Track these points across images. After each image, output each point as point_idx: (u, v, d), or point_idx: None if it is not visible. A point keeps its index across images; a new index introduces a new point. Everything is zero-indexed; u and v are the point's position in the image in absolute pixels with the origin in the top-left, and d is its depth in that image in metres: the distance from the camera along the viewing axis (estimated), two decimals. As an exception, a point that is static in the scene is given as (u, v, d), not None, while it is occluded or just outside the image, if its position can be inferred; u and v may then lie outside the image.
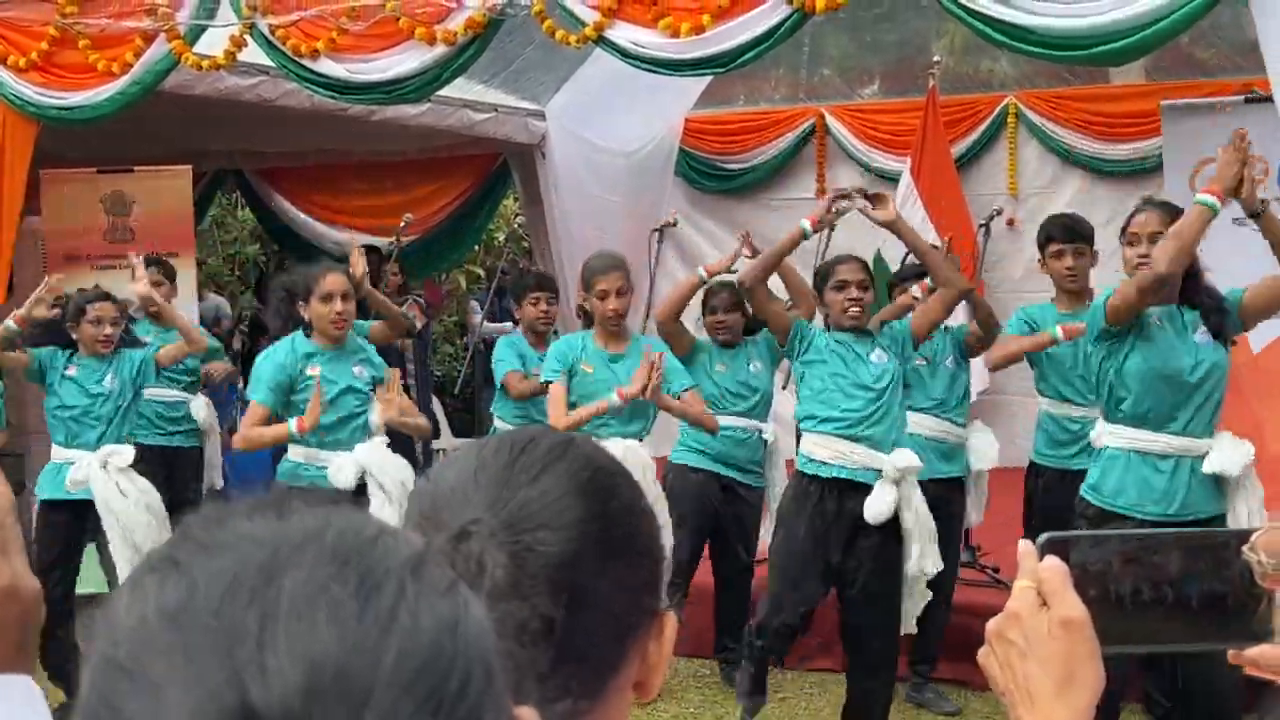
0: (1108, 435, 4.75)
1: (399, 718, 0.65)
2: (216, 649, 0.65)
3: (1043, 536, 1.20)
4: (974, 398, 7.67)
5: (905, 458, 5.20)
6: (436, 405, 10.32)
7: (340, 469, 5.43)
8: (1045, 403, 5.87)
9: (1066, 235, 5.83)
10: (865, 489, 5.20)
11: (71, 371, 6.19)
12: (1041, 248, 5.90)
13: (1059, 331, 5.68)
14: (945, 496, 5.88)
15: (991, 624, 1.19)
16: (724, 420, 6.17)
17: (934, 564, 5.31)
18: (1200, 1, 5.04)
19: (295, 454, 5.60)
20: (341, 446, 5.50)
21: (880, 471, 5.19)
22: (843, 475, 5.24)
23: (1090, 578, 1.18)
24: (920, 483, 5.36)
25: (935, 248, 6.06)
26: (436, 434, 8.97)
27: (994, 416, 7.76)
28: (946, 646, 6.06)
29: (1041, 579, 1.16)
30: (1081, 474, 4.98)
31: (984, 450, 6.29)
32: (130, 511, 5.90)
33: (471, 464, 1.15)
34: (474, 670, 0.69)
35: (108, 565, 6.01)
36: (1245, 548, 1.18)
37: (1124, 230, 4.96)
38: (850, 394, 5.26)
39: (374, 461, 5.42)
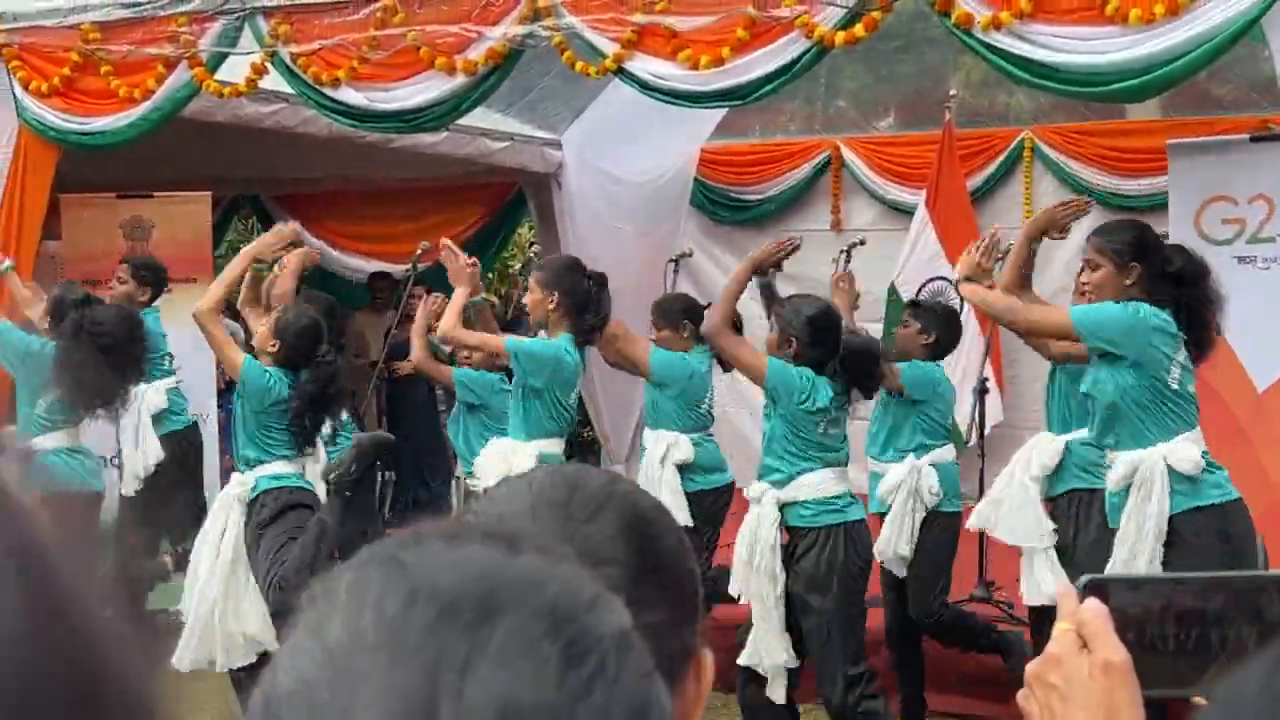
0: None
1: None
2: (422, 664, 0.67)
3: (1083, 578, 1.20)
4: (988, 430, 7.67)
5: None
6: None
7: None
8: None
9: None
10: None
11: None
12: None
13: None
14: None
15: (1031, 666, 1.20)
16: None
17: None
18: (1220, 40, 5.06)
19: None
20: None
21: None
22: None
23: (1130, 620, 1.18)
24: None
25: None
26: (451, 462, 8.96)
27: (1005, 450, 7.74)
28: (969, 679, 6.06)
29: (1082, 621, 1.17)
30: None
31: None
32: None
33: (525, 498, 1.15)
34: None
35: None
36: None
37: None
38: None
39: None
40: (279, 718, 0.69)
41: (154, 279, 7.50)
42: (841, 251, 7.51)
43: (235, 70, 6.91)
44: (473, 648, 0.67)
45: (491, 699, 0.66)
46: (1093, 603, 1.17)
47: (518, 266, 12.67)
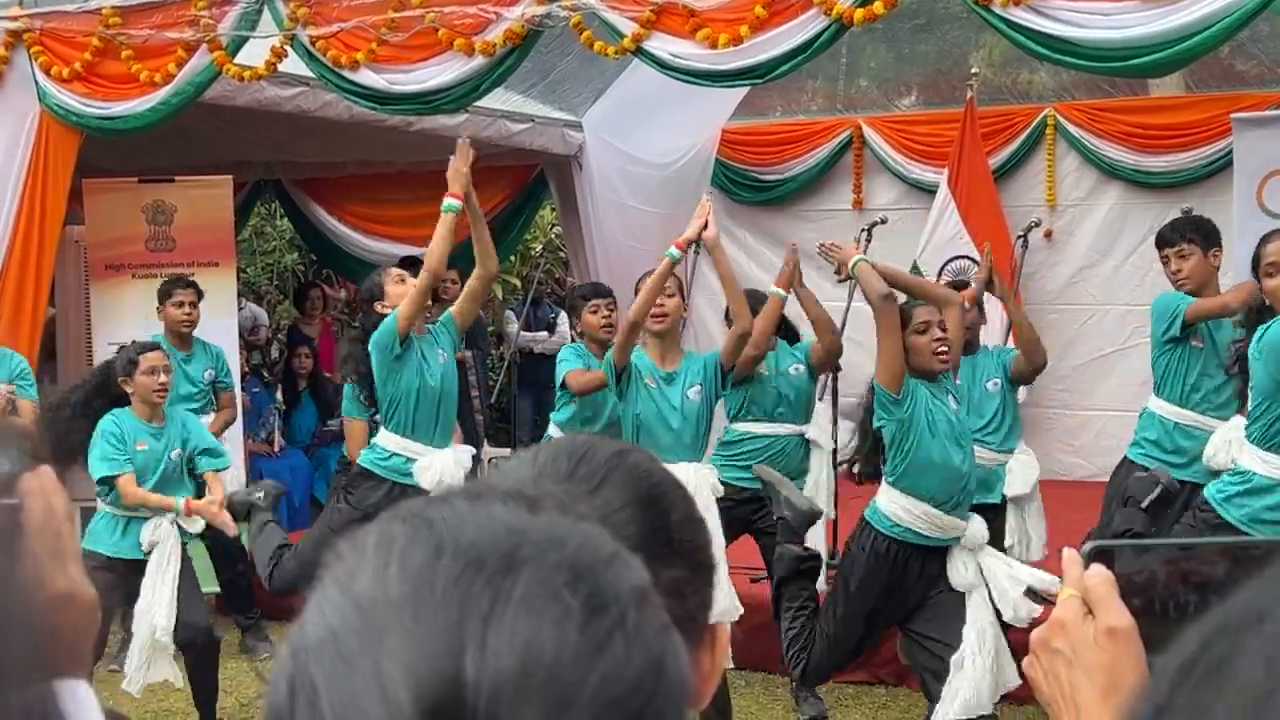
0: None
1: None
2: (447, 614, 0.69)
3: (1088, 544, 1.20)
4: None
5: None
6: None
7: (427, 469, 5.59)
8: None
9: (1164, 240, 5.81)
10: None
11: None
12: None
13: None
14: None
15: (1036, 633, 1.19)
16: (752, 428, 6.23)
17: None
18: (1241, 13, 5.02)
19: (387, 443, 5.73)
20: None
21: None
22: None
23: (1135, 586, 1.18)
24: None
25: (966, 257, 6.01)
26: (476, 444, 8.98)
27: (1030, 430, 7.71)
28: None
29: (1087, 587, 1.16)
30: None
31: (1019, 475, 6.04)
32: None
33: (528, 473, 1.14)
34: (667, 714, 0.71)
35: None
36: None
37: (1257, 262, 4.91)
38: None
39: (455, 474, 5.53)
40: (307, 669, 0.71)
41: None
42: (863, 230, 7.49)
43: (255, 54, 6.92)
44: (496, 598, 0.69)
45: (514, 647, 0.68)
46: (1098, 568, 1.17)
47: (539, 249, 12.67)
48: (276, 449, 9.47)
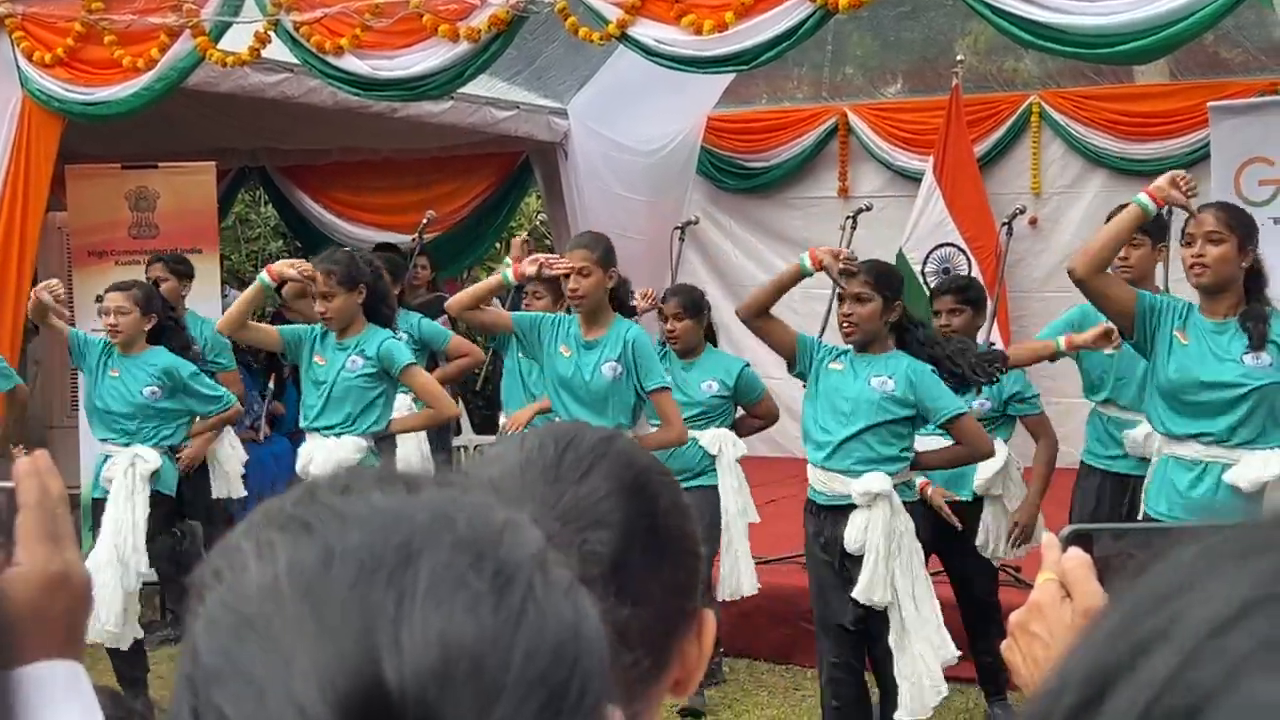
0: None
1: (524, 715, 0.66)
2: (352, 622, 0.65)
3: (1066, 529, 1.20)
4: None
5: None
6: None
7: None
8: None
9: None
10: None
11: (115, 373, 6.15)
12: None
13: (1062, 343, 5.37)
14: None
15: (1014, 616, 1.19)
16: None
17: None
18: (1225, 0, 5.02)
19: None
20: None
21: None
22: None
23: (1114, 569, 1.18)
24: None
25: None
26: (458, 430, 8.98)
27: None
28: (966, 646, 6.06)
29: (1064, 570, 1.16)
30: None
31: (982, 468, 5.70)
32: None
33: (515, 460, 1.14)
34: (593, 674, 0.70)
35: None
36: None
37: (1183, 231, 4.82)
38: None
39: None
40: (211, 700, 0.67)
41: (189, 272, 7.50)
42: (848, 218, 7.49)
43: (238, 40, 6.90)
44: (401, 597, 0.66)
45: (431, 643, 0.65)
46: (1075, 552, 1.17)
47: (524, 236, 12.66)
48: (262, 436, 9.44)
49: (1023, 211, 9.45)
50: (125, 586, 5.80)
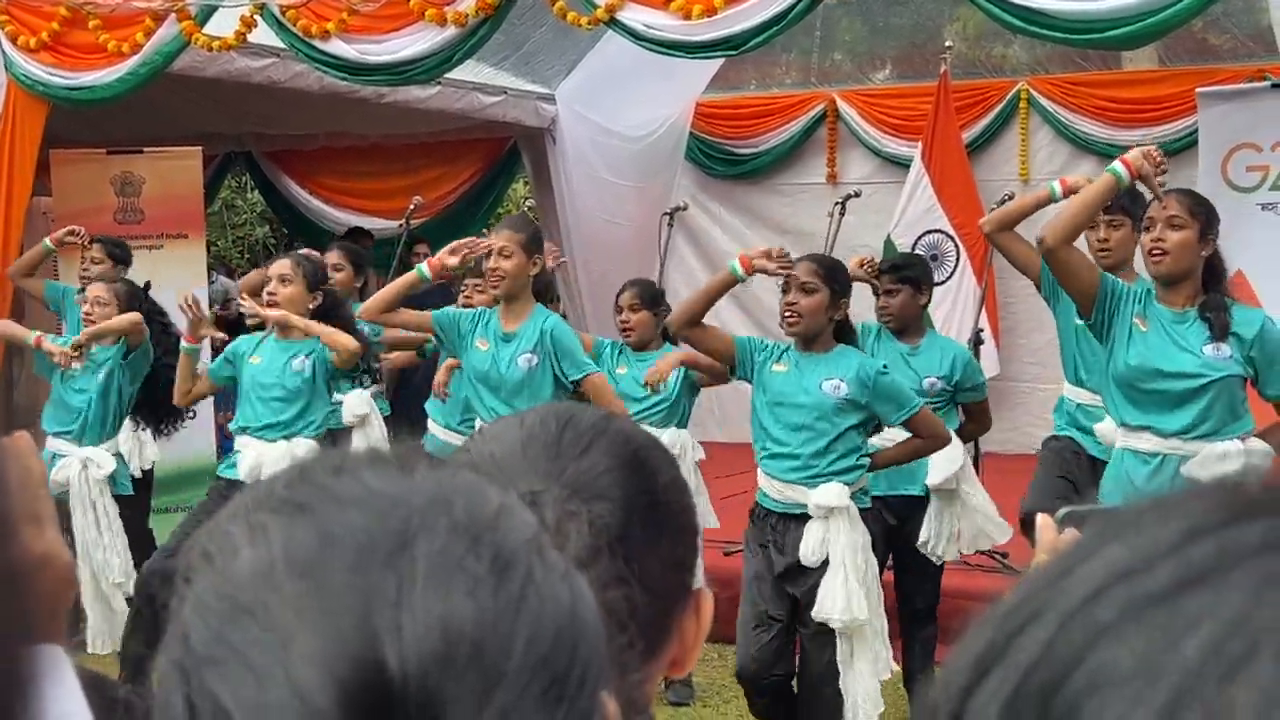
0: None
1: (526, 702, 0.65)
2: (352, 606, 0.64)
3: (1062, 510, 1.19)
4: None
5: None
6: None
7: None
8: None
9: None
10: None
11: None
12: None
13: (1058, 187, 4.97)
14: (910, 516, 5.40)
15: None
16: None
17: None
18: (1215, -15, 5.02)
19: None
20: None
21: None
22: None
23: None
24: (885, 500, 5.13)
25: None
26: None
27: (1000, 403, 7.73)
28: (957, 635, 6.05)
29: (1059, 552, 1.15)
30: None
31: (939, 463, 5.48)
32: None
33: (516, 437, 1.14)
34: (592, 660, 0.69)
35: None
36: None
37: (1144, 214, 4.71)
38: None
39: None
40: (205, 686, 0.65)
41: (126, 256, 7.32)
42: (836, 204, 7.46)
43: (224, 24, 6.86)
44: (401, 580, 0.65)
45: (432, 627, 0.64)
46: (1071, 534, 1.16)
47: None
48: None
49: (1011, 198, 9.44)
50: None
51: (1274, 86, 7.61)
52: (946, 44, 9.61)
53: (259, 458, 5.38)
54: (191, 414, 6.53)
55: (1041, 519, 1.19)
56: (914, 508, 5.40)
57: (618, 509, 1.09)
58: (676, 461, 1.19)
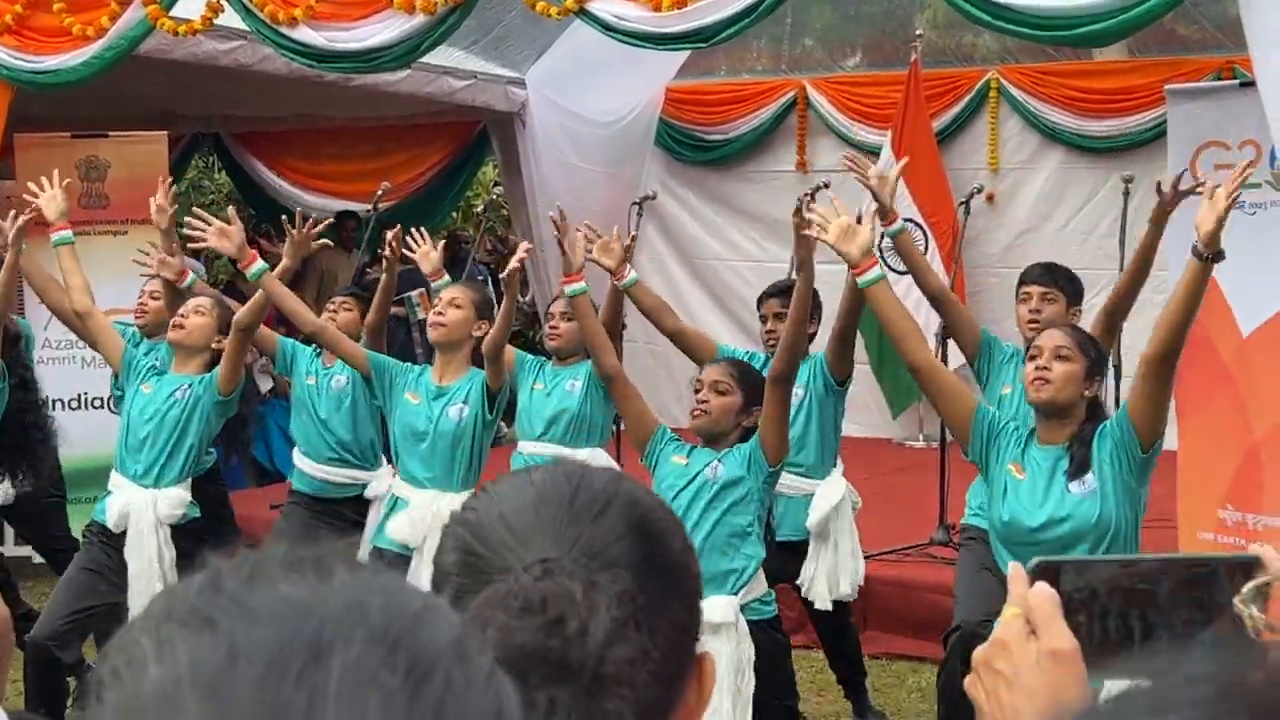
0: None
1: None
2: None
3: (1034, 560, 1.18)
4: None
5: None
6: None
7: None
8: None
9: (1032, 277, 5.22)
10: None
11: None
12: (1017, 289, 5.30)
13: None
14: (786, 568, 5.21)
15: (978, 652, 1.18)
16: (527, 448, 5.72)
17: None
18: (1185, -17, 5.01)
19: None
20: None
21: None
22: None
23: (1078, 604, 1.17)
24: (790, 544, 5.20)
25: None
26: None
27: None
28: (923, 627, 6.10)
29: (1031, 607, 1.15)
30: None
31: (819, 505, 5.34)
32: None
33: (528, 497, 1.12)
34: None
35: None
36: (1237, 600, 1.16)
37: (1027, 346, 4.38)
38: None
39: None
40: None
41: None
42: (805, 194, 7.43)
43: (191, 8, 6.78)
44: (312, 697, 0.62)
45: None
46: (1042, 587, 1.15)
47: (481, 206, 12.59)
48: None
49: (980, 190, 9.47)
50: None
51: (1243, 85, 7.63)
52: (917, 32, 9.62)
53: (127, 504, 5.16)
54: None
55: (1014, 569, 1.18)
56: (798, 551, 5.36)
57: (633, 576, 1.07)
58: (683, 524, 1.18)
